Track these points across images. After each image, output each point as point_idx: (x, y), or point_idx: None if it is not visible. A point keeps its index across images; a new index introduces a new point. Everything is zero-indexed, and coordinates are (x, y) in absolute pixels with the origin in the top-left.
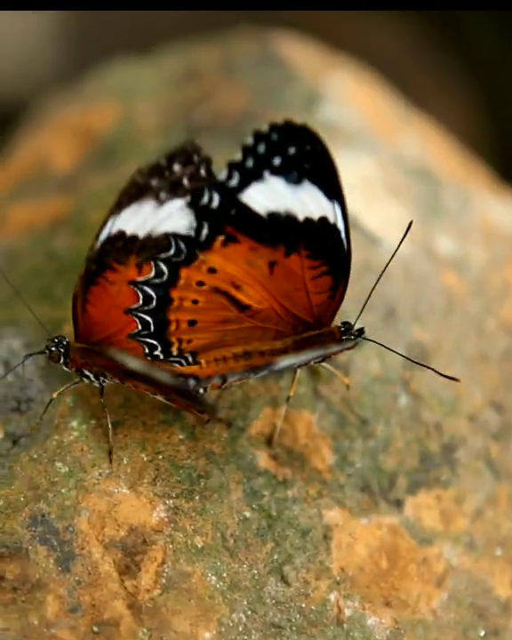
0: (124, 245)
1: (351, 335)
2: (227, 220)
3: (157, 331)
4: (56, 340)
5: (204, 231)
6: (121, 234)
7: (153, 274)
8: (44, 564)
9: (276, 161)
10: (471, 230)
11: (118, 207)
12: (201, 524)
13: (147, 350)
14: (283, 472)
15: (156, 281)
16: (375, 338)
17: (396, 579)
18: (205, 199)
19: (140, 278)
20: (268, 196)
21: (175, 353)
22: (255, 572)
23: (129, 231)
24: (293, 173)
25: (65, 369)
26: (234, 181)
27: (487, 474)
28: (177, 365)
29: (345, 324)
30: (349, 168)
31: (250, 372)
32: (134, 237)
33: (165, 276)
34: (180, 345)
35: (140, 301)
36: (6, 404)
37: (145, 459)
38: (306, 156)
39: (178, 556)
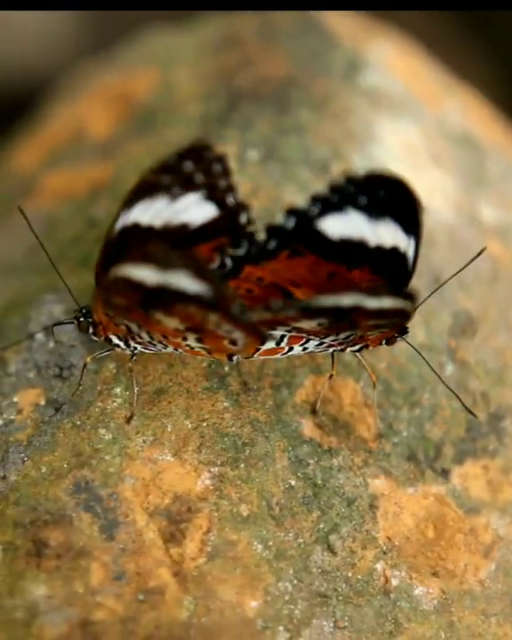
0: (140, 235)
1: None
2: (298, 240)
3: None
4: (84, 311)
5: (272, 244)
6: (135, 225)
7: (218, 263)
8: (88, 531)
9: (362, 200)
10: None
11: (129, 203)
12: (246, 492)
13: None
14: (328, 440)
15: (220, 271)
16: (421, 305)
17: (443, 549)
18: (281, 221)
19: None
20: (345, 225)
21: None
22: (301, 540)
23: (144, 222)
24: (377, 211)
25: (94, 338)
26: (314, 210)
27: None
28: None
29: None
30: (393, 135)
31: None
32: (150, 228)
33: (228, 269)
34: None
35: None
36: (48, 370)
37: (189, 426)
38: (394, 201)
39: (223, 525)
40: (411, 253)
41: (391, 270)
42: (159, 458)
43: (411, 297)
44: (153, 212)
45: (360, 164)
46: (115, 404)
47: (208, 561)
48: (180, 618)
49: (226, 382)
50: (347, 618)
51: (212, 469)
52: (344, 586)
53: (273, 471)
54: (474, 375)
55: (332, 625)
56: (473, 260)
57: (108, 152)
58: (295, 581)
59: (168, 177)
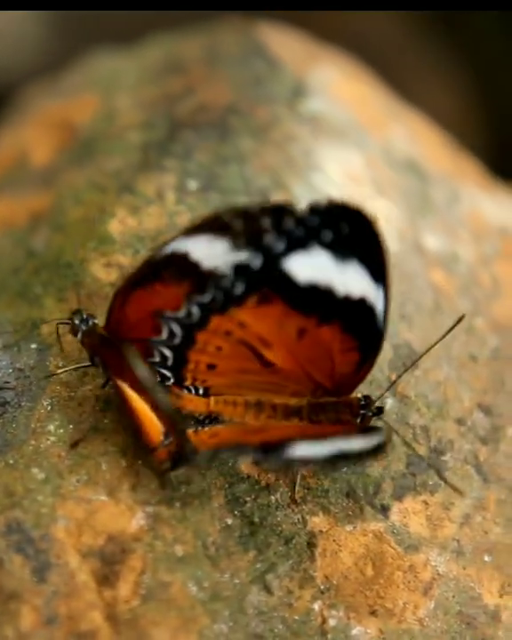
0: (184, 266)
1: (369, 411)
2: (264, 281)
3: (175, 365)
4: (84, 316)
5: (240, 288)
6: (185, 255)
7: (183, 314)
8: (19, 573)
9: (327, 236)
10: (460, 226)
11: (192, 230)
12: (181, 531)
13: (159, 378)
14: (266, 477)
15: (185, 321)
16: None
17: (382, 587)
18: (248, 259)
19: (170, 313)
20: (311, 266)
21: (188, 383)
22: (237, 581)
23: (193, 256)
24: (341, 251)
25: (80, 345)
26: (279, 246)
27: (475, 478)
28: (186, 392)
29: (366, 397)
30: (335, 163)
31: (244, 450)
32: (196, 265)
33: (195, 319)
34: (194, 381)
35: (164, 335)
36: None
37: (124, 464)
38: (358, 238)
39: (157, 566)
40: (380, 306)
41: (362, 328)
42: (93, 498)
43: (381, 411)
44: (208, 252)
45: (301, 194)
46: (48, 442)
47: (142, 603)
48: None
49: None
50: None
51: (147, 509)
52: (281, 626)
53: (209, 510)
54: (414, 409)
55: None
56: (452, 328)
57: (48, 180)
58: (231, 623)
59: (240, 224)
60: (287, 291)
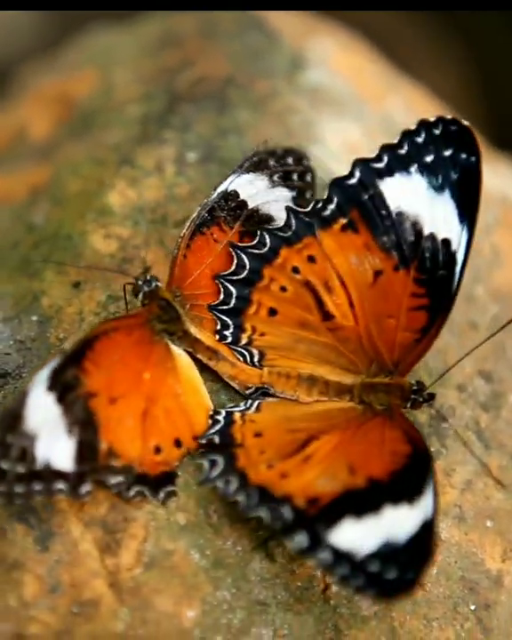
0: (235, 207)
1: (420, 397)
2: (356, 202)
3: (236, 307)
4: (148, 278)
5: (332, 206)
6: (235, 194)
7: (256, 241)
8: (22, 543)
9: (428, 158)
10: None
11: (240, 168)
12: (184, 500)
13: (218, 326)
14: None
15: (255, 251)
16: None
17: None
18: (343, 175)
19: (239, 244)
20: (406, 192)
21: (244, 341)
22: (239, 548)
23: (242, 195)
24: (438, 178)
25: (139, 305)
26: (381, 164)
27: (477, 444)
28: (239, 359)
29: (418, 383)
30: (334, 134)
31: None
32: (244, 203)
33: (266, 248)
34: (252, 333)
35: (233, 267)
36: None
37: None
38: (457, 164)
39: (160, 534)
40: (460, 256)
41: (436, 280)
42: None
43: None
44: (252, 191)
45: None
46: None
47: (144, 571)
48: (116, 630)
49: None
50: (286, 626)
51: None
52: (283, 593)
53: None
54: (416, 376)
55: (271, 633)
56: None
57: (47, 155)
58: (234, 590)
59: (274, 161)
60: (375, 218)
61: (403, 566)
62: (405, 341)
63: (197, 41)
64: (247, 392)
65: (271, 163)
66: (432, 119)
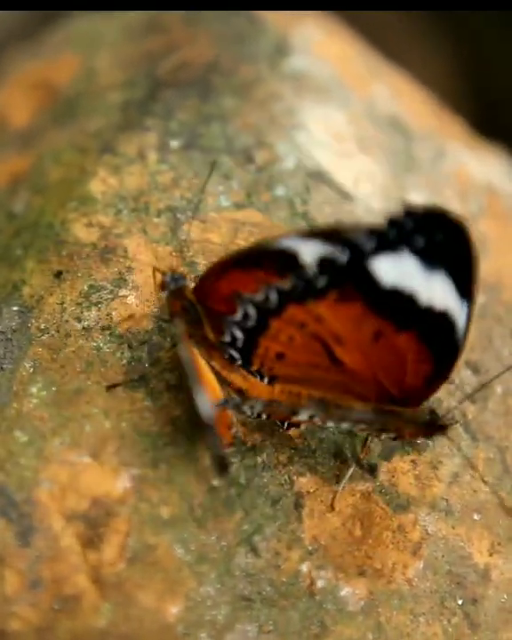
0: (291, 265)
1: (434, 424)
2: (349, 277)
3: (245, 348)
4: (175, 276)
5: (323, 282)
6: (295, 255)
7: (261, 297)
8: (2, 537)
9: (419, 242)
10: (445, 184)
11: (313, 234)
12: (167, 493)
13: (226, 356)
14: (252, 438)
15: (262, 305)
16: None
17: (371, 547)
18: (334, 253)
19: (248, 295)
20: (398, 270)
21: (255, 368)
22: (224, 543)
23: (302, 259)
24: (431, 259)
25: (162, 301)
26: (369, 245)
27: (464, 436)
28: (252, 376)
29: (432, 412)
30: (319, 121)
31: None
32: (303, 267)
33: (272, 304)
34: (261, 367)
35: (239, 316)
36: None
37: (108, 426)
38: (450, 249)
39: (143, 528)
40: (461, 324)
41: (439, 342)
42: (77, 460)
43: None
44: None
45: (284, 152)
46: (31, 404)
47: (127, 566)
48: (98, 626)
49: (146, 379)
50: (271, 622)
51: (132, 471)
52: (269, 588)
53: (195, 471)
54: None
55: (256, 629)
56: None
57: (28, 142)
58: (218, 585)
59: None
60: (369, 291)
61: None
62: (414, 384)
63: (181, 26)
64: None
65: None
66: (420, 209)
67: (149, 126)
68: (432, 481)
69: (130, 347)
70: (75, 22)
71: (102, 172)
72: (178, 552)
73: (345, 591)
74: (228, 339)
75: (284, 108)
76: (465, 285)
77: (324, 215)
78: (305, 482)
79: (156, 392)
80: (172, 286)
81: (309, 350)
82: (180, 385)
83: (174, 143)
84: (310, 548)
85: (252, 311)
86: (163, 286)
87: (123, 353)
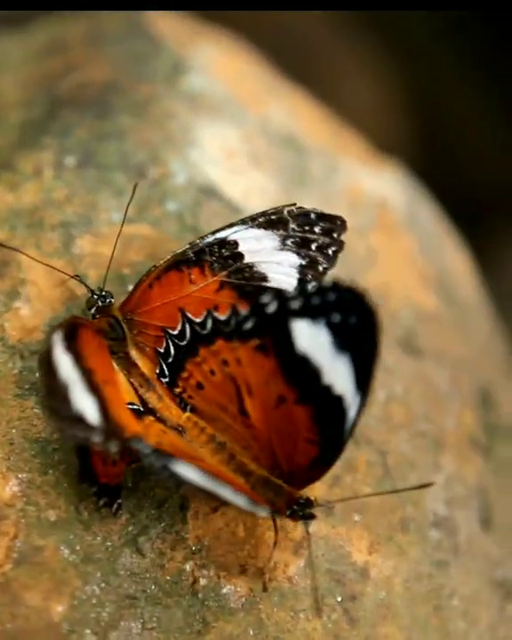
0: (228, 256)
1: (301, 512)
2: (269, 331)
3: (174, 366)
4: (103, 293)
5: (250, 324)
6: (234, 243)
7: (201, 320)
8: None
9: (335, 318)
10: (336, 198)
11: (252, 220)
12: (54, 497)
13: (157, 371)
14: None
15: (198, 328)
16: None
17: (253, 547)
18: (267, 300)
19: (191, 316)
20: (312, 340)
21: (177, 392)
22: (109, 544)
23: (242, 247)
24: (341, 340)
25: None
26: (296, 304)
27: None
28: (168, 399)
29: (307, 500)
30: (212, 138)
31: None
32: (240, 256)
33: (206, 331)
34: (182, 391)
35: (178, 330)
36: None
37: None
38: (359, 334)
39: (30, 531)
40: (351, 414)
41: (328, 427)
42: None
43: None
44: (255, 246)
45: (177, 169)
46: None
47: (14, 567)
48: None
49: (37, 389)
50: (155, 619)
51: (20, 476)
52: (153, 587)
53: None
54: None
55: (140, 626)
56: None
57: None
58: (103, 584)
59: (295, 225)
60: (284, 351)
61: None
62: (300, 463)
63: (82, 47)
64: None
65: (292, 225)
66: (344, 285)
67: (46, 144)
68: (314, 483)
69: (21, 357)
70: None
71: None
72: (64, 553)
73: (226, 589)
74: (162, 350)
75: (179, 126)
76: (363, 378)
77: (213, 228)
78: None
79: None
80: (99, 303)
81: (224, 391)
82: None
83: (70, 160)
84: (194, 547)
85: (188, 331)
86: (90, 304)
87: (15, 363)
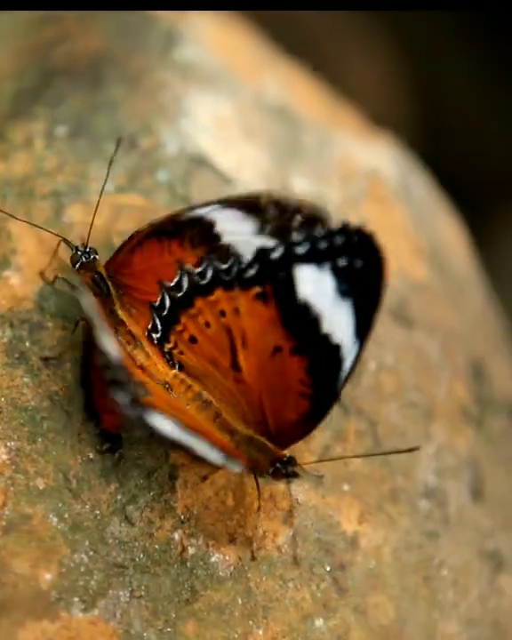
0: (206, 234)
1: (284, 469)
2: (271, 278)
3: (168, 319)
4: (87, 249)
5: (252, 272)
6: (211, 224)
7: (199, 271)
8: None
9: (341, 262)
10: (329, 170)
11: (230, 203)
12: (43, 465)
13: (149, 326)
14: None
15: (196, 279)
16: None
17: (242, 516)
18: (271, 247)
19: (189, 266)
20: (316, 286)
21: (166, 348)
22: (98, 512)
23: (218, 228)
24: (346, 285)
25: (73, 275)
26: (301, 250)
27: (335, 409)
28: (158, 356)
29: (290, 458)
30: (204, 108)
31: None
32: (218, 236)
33: (205, 281)
34: (173, 347)
35: (174, 282)
36: None
37: None
38: (363, 280)
39: (19, 499)
40: (347, 365)
41: (322, 378)
42: None
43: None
44: (232, 228)
45: (167, 139)
46: None
47: (2, 535)
48: None
49: (26, 358)
50: (143, 587)
51: (9, 444)
52: (141, 555)
53: (71, 445)
54: None
55: (128, 595)
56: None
57: None
58: (91, 553)
59: (274, 212)
60: (285, 299)
61: None
62: (289, 419)
63: (76, 17)
64: None
65: (271, 211)
66: (353, 226)
67: (38, 114)
68: (304, 454)
69: (11, 325)
70: None
71: None
72: (52, 521)
73: (215, 557)
74: (157, 303)
75: (171, 96)
76: (363, 324)
77: (204, 198)
78: (180, 454)
79: (36, 369)
80: (83, 259)
81: (217, 344)
82: (60, 361)
83: (61, 130)
84: (183, 516)
85: (185, 282)
86: (73, 260)
87: (4, 332)
